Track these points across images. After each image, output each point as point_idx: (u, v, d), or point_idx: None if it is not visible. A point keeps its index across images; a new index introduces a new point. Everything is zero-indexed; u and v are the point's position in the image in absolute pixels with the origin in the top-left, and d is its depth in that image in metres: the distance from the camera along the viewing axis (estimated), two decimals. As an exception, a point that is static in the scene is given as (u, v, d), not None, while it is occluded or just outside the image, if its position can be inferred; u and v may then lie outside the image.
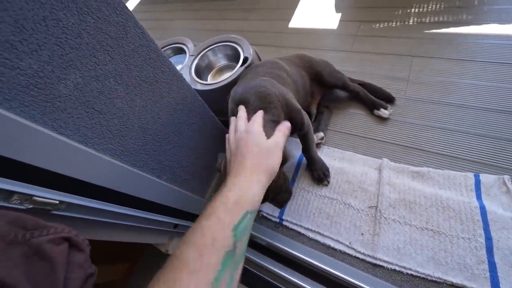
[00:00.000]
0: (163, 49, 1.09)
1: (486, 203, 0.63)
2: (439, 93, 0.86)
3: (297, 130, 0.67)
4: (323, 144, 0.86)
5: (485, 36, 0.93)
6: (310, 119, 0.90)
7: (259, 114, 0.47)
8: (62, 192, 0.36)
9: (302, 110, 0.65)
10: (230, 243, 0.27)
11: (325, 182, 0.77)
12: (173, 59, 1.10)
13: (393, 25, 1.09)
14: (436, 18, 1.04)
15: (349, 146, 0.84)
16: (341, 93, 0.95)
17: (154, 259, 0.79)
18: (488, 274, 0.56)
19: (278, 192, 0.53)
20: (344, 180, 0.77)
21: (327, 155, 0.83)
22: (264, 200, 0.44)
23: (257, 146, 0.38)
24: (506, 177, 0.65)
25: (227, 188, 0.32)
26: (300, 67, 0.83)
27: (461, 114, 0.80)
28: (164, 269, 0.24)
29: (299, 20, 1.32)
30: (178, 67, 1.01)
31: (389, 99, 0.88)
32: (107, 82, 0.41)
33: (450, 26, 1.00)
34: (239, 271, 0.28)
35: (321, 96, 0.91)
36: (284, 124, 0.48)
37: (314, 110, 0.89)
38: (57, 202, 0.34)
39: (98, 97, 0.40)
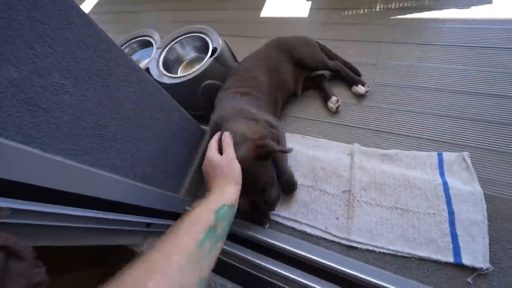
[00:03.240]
0: (128, 42, 1.03)
1: (448, 179, 0.67)
2: (405, 77, 0.88)
3: None
4: (290, 133, 0.87)
5: (445, 21, 0.96)
6: (296, 99, 0.94)
7: (214, 139, 0.58)
8: (4, 198, 0.33)
9: (273, 129, 0.63)
10: (212, 221, 0.37)
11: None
12: (140, 53, 1.05)
13: (361, 12, 1.10)
14: (401, 4, 1.07)
15: (321, 133, 0.85)
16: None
17: (131, 261, 0.77)
18: (451, 246, 0.59)
19: (262, 189, 0.57)
20: (319, 167, 0.78)
21: (302, 144, 0.84)
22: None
23: (218, 168, 0.49)
24: (466, 153, 0.69)
25: (208, 195, 0.45)
26: (280, 54, 0.84)
27: (425, 97, 0.83)
28: (162, 236, 0.33)
29: (270, 9, 1.30)
30: (146, 61, 0.97)
31: (357, 74, 0.92)
32: (51, 77, 0.37)
33: (414, 12, 1.03)
34: (219, 245, 0.37)
35: (306, 75, 0.92)
36: (224, 136, 0.56)
37: (299, 90, 0.91)
38: (-2, 209, 0.32)
39: (42, 93, 0.37)
